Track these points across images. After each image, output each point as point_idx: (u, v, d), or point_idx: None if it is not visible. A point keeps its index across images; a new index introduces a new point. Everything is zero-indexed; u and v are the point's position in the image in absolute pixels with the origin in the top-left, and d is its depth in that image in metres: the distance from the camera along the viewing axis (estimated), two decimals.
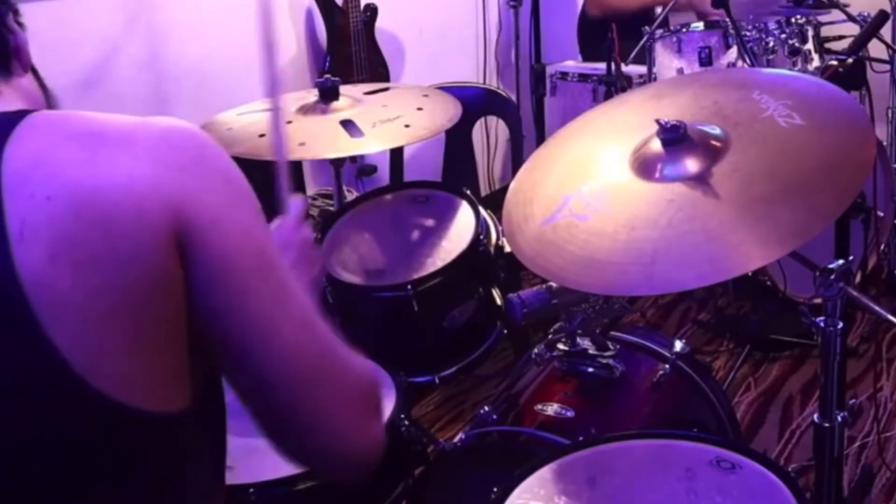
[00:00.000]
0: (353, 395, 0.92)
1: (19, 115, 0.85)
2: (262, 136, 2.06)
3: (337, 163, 2.37)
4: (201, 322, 0.85)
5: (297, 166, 3.23)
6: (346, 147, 2.07)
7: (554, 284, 1.68)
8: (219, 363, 0.89)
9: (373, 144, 2.12)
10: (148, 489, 0.87)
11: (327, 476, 0.98)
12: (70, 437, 0.82)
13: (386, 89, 2.33)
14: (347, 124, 2.07)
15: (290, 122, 2.12)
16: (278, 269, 0.89)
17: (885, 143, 3.22)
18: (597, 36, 3.61)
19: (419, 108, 2.19)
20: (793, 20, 3.00)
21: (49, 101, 1.00)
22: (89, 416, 0.81)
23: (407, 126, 2.09)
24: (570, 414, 1.70)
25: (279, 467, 1.52)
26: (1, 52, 0.92)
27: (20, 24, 0.95)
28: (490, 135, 4.37)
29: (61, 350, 0.78)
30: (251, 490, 1.51)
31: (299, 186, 3.31)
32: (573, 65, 3.90)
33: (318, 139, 2.06)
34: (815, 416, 1.55)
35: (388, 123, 2.09)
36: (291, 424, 0.90)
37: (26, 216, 0.78)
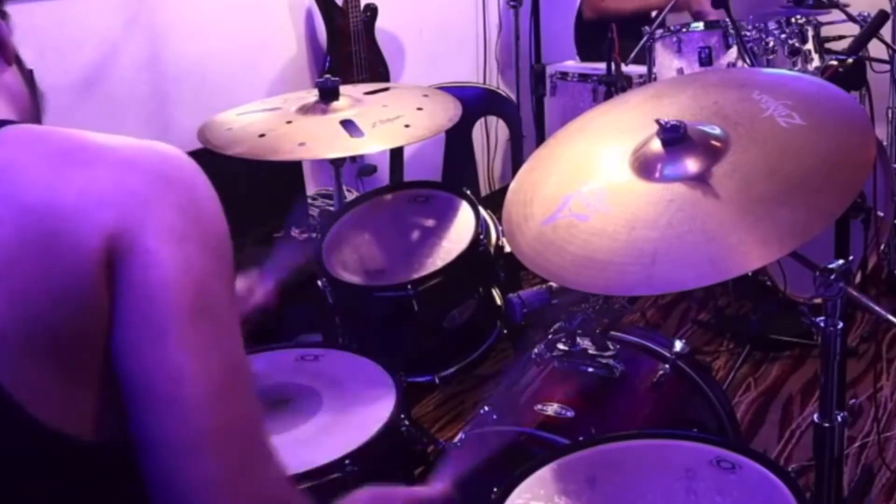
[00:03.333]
0: (254, 492, 0.79)
1: None
2: (262, 136, 2.06)
3: (337, 163, 2.37)
4: (114, 353, 0.77)
5: (297, 166, 3.23)
6: (345, 147, 2.07)
7: (554, 284, 1.68)
8: (121, 402, 0.79)
9: (373, 144, 2.11)
10: None
11: None
12: (9, 466, 0.78)
13: (385, 89, 2.33)
14: (347, 124, 2.07)
15: (289, 122, 2.12)
16: (217, 319, 0.78)
17: (885, 143, 3.22)
18: (593, 37, 3.61)
19: (419, 108, 2.19)
20: (793, 20, 3.00)
21: (35, 95, 0.94)
22: (29, 445, 0.77)
23: (407, 126, 2.09)
24: (570, 414, 1.70)
25: None
26: None
27: (3, 15, 0.90)
28: (490, 135, 4.37)
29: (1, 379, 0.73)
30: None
31: (299, 186, 3.31)
32: (573, 65, 3.90)
33: (318, 139, 2.06)
34: (815, 416, 1.55)
35: (388, 123, 2.09)
36: (166, 492, 0.78)
37: None
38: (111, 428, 0.79)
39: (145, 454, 0.78)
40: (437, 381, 2.08)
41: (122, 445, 0.80)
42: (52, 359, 0.76)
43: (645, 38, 3.09)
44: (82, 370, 0.77)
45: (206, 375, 0.77)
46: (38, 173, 0.76)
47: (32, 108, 0.94)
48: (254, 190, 2.67)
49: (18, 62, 0.93)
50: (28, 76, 0.94)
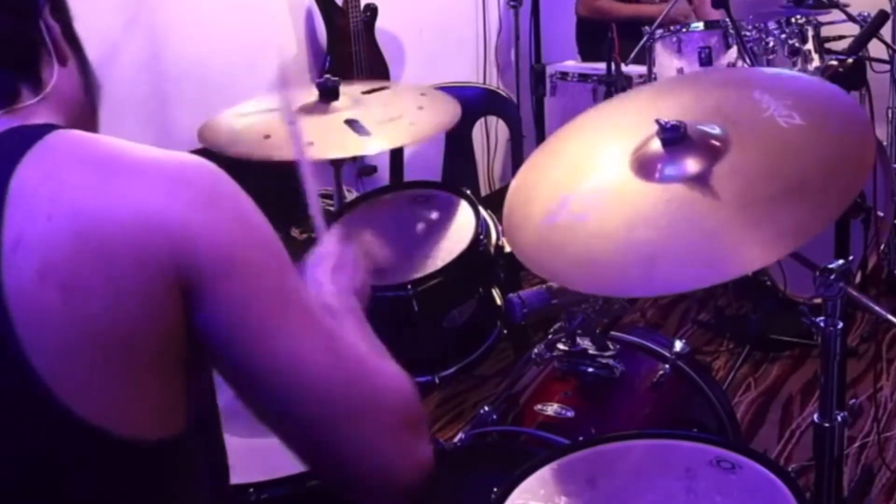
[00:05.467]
0: (392, 420, 0.88)
1: (43, 131, 0.83)
2: (267, 136, 2.05)
3: (337, 163, 2.37)
4: (224, 364, 0.85)
5: (297, 166, 3.22)
6: (354, 146, 2.07)
7: (554, 284, 1.68)
8: (246, 402, 0.87)
9: (380, 142, 2.11)
10: None
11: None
12: (47, 460, 0.80)
13: (382, 88, 2.32)
14: (353, 123, 2.07)
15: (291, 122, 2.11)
16: (297, 301, 0.86)
17: (885, 143, 3.22)
18: (595, 36, 3.61)
19: (420, 108, 2.19)
20: (793, 20, 3.00)
21: (91, 89, 0.96)
22: (70, 442, 0.79)
23: (412, 124, 2.09)
24: (570, 414, 1.70)
25: (279, 467, 1.52)
26: (31, 63, 0.88)
27: (58, 13, 0.91)
28: (490, 135, 4.37)
29: (38, 369, 0.77)
30: (251, 490, 1.51)
31: (299, 187, 3.31)
32: (573, 65, 3.90)
33: (327, 138, 2.06)
34: (815, 416, 1.55)
35: (393, 122, 2.09)
36: (331, 460, 0.87)
37: (23, 230, 0.77)
38: (158, 428, 0.83)
39: (297, 440, 0.87)
40: (437, 381, 2.08)
41: (170, 446, 0.84)
42: (107, 357, 0.79)
43: (645, 38, 3.09)
44: (139, 370, 0.81)
45: (316, 349, 0.84)
46: (85, 179, 0.80)
47: (86, 106, 0.96)
48: (254, 190, 2.66)
49: (79, 55, 0.94)
50: (87, 67, 0.95)
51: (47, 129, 0.84)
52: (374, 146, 2.13)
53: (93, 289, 0.77)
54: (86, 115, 0.96)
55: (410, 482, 0.88)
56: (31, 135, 0.83)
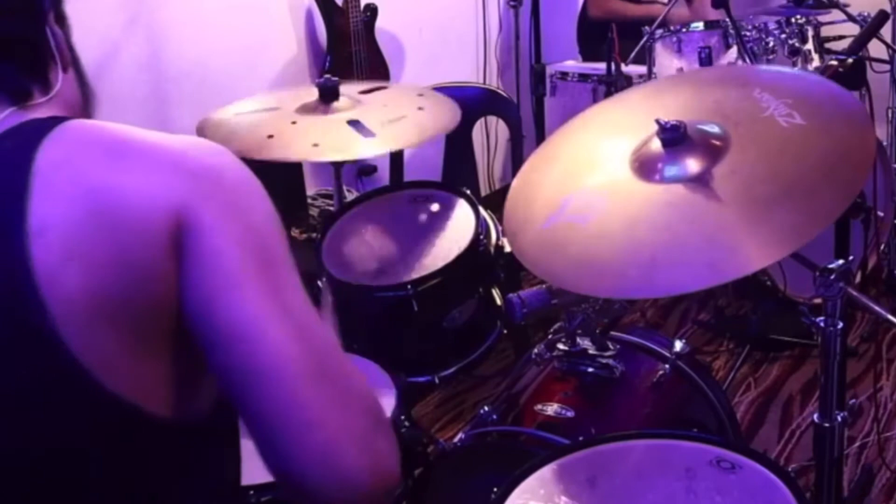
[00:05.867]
0: (352, 402, 0.84)
1: (53, 122, 0.87)
2: (270, 136, 2.04)
3: (337, 163, 2.37)
4: (191, 316, 0.83)
5: (296, 166, 3.23)
6: (359, 147, 2.06)
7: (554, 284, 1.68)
8: (210, 362, 0.84)
9: (385, 144, 2.11)
10: (147, 498, 0.88)
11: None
12: (77, 435, 0.83)
13: (380, 88, 2.32)
14: (356, 124, 2.06)
15: (294, 122, 2.11)
16: (279, 266, 0.86)
17: (885, 143, 3.22)
18: (596, 36, 3.61)
19: (420, 108, 2.19)
20: (793, 20, 3.00)
21: (87, 99, 1.01)
22: (99, 416, 0.83)
23: (415, 125, 2.09)
24: (570, 414, 1.70)
25: None
26: (41, 66, 0.93)
27: (61, 21, 0.96)
28: (490, 135, 4.37)
29: (70, 347, 0.80)
30: (251, 492, 1.51)
31: (299, 186, 3.31)
32: (573, 65, 3.90)
33: (331, 140, 2.05)
34: (815, 416, 1.55)
35: (396, 123, 2.08)
36: (283, 428, 0.82)
37: (46, 213, 0.81)
38: (181, 406, 0.86)
39: (252, 402, 0.83)
40: (437, 381, 2.08)
41: (192, 424, 0.87)
42: (124, 329, 0.82)
43: (645, 38, 3.09)
44: (154, 342, 0.84)
45: (288, 313, 0.84)
46: (97, 161, 0.84)
47: (84, 112, 1.00)
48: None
49: (76, 64, 0.99)
50: (84, 78, 1.00)
51: (58, 120, 0.88)
52: (379, 147, 2.12)
53: (107, 265, 0.81)
54: (83, 118, 0.99)
55: (367, 480, 0.82)
56: (45, 125, 0.87)
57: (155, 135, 0.89)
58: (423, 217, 2.23)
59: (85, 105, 1.00)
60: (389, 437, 0.87)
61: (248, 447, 1.46)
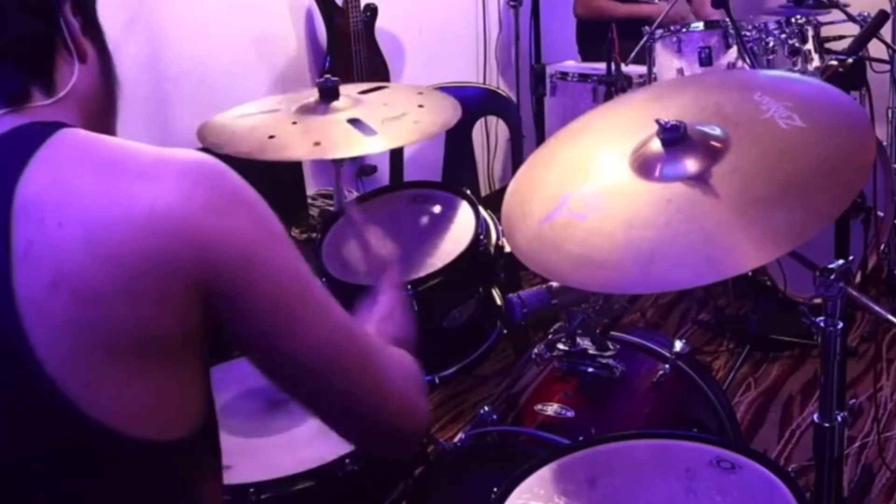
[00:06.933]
0: (399, 375, 1.00)
1: (47, 131, 0.82)
2: (271, 137, 2.05)
3: (337, 162, 2.37)
4: (258, 355, 0.90)
5: (297, 166, 3.23)
6: (361, 145, 2.06)
7: (554, 284, 1.68)
8: (276, 382, 0.93)
9: (386, 141, 2.10)
10: None
11: (383, 453, 1.13)
12: (57, 461, 0.81)
13: (379, 88, 2.32)
14: (356, 122, 2.06)
15: (294, 122, 2.11)
16: (309, 287, 0.90)
17: (885, 143, 3.22)
18: (596, 36, 3.61)
19: (420, 106, 2.19)
20: (793, 20, 3.00)
21: (111, 88, 0.96)
22: (81, 444, 0.80)
23: (416, 122, 2.09)
24: (570, 414, 1.70)
25: (279, 467, 1.52)
26: (45, 65, 0.87)
27: (78, 9, 0.91)
28: (490, 135, 4.37)
29: (51, 374, 0.77)
30: (251, 490, 1.51)
31: (299, 187, 3.31)
32: (573, 65, 3.90)
33: (332, 138, 2.05)
34: (815, 416, 1.55)
35: (397, 120, 2.08)
36: (354, 411, 0.95)
37: (33, 239, 0.77)
38: (163, 429, 0.83)
39: (324, 403, 0.95)
40: (437, 381, 2.08)
41: (185, 445, 0.85)
42: (116, 360, 0.79)
43: (645, 38, 3.09)
44: (148, 367, 0.81)
45: (331, 327, 0.91)
46: (92, 183, 0.79)
47: (104, 101, 0.95)
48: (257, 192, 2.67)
49: (100, 47, 0.95)
50: (107, 60, 0.96)
51: (52, 128, 0.83)
52: (380, 145, 2.12)
53: (106, 294, 0.78)
54: (104, 110, 0.95)
55: (418, 429, 1.03)
56: (35, 136, 0.82)
57: (153, 152, 0.84)
58: (423, 217, 2.22)
59: (108, 95, 0.95)
60: (426, 394, 1.07)
61: (248, 445, 1.46)
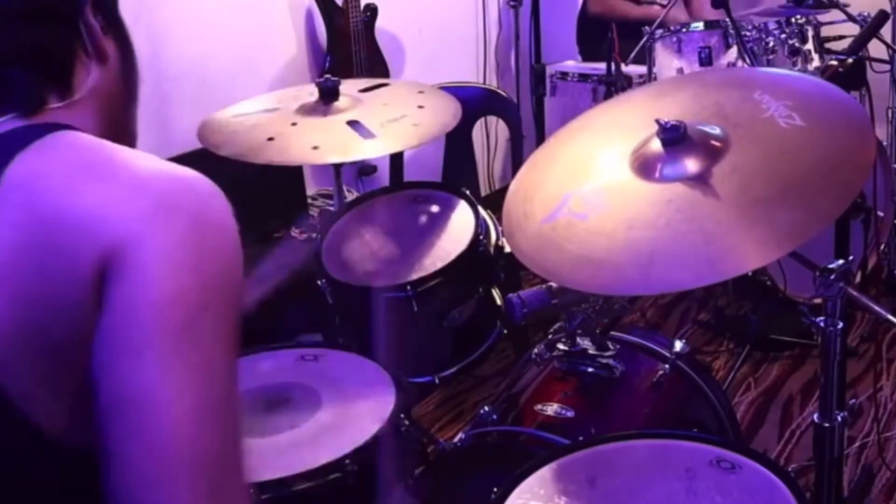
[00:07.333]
0: None
1: (46, 130, 0.79)
2: (270, 139, 2.04)
3: (337, 163, 2.37)
4: (92, 368, 0.74)
5: (297, 167, 3.22)
6: (359, 150, 2.05)
7: (554, 284, 1.68)
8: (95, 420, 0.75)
9: (385, 146, 2.09)
10: None
11: None
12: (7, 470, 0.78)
13: (380, 86, 2.32)
14: (355, 125, 2.06)
15: (294, 123, 2.11)
16: (200, 352, 0.74)
17: (885, 143, 3.22)
18: (596, 36, 3.62)
19: (420, 107, 2.18)
20: (793, 20, 3.00)
21: (131, 85, 0.91)
22: (24, 447, 0.77)
23: (416, 125, 2.09)
24: (570, 414, 1.70)
25: (278, 467, 1.52)
26: (62, 72, 0.83)
27: (99, 9, 0.85)
28: (490, 135, 4.37)
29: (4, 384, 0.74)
30: (251, 490, 1.51)
31: (299, 187, 3.31)
32: (573, 65, 3.90)
33: (331, 142, 2.05)
34: (815, 416, 1.55)
35: (396, 123, 2.08)
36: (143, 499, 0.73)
37: None
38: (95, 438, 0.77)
39: (110, 473, 0.74)
40: (437, 381, 2.08)
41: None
42: (44, 363, 0.75)
43: (645, 38, 3.09)
44: (70, 378, 0.76)
45: (178, 404, 0.73)
46: (57, 182, 0.75)
47: (124, 97, 0.91)
48: (254, 190, 2.67)
49: (122, 42, 0.89)
50: (129, 55, 0.90)
51: (54, 128, 0.80)
52: (378, 149, 2.11)
53: (31, 299, 0.73)
54: (123, 104, 0.91)
55: None
56: (33, 134, 0.79)
57: (133, 157, 0.79)
58: (422, 217, 2.23)
59: (127, 89, 0.90)
60: None
61: (247, 445, 1.46)
